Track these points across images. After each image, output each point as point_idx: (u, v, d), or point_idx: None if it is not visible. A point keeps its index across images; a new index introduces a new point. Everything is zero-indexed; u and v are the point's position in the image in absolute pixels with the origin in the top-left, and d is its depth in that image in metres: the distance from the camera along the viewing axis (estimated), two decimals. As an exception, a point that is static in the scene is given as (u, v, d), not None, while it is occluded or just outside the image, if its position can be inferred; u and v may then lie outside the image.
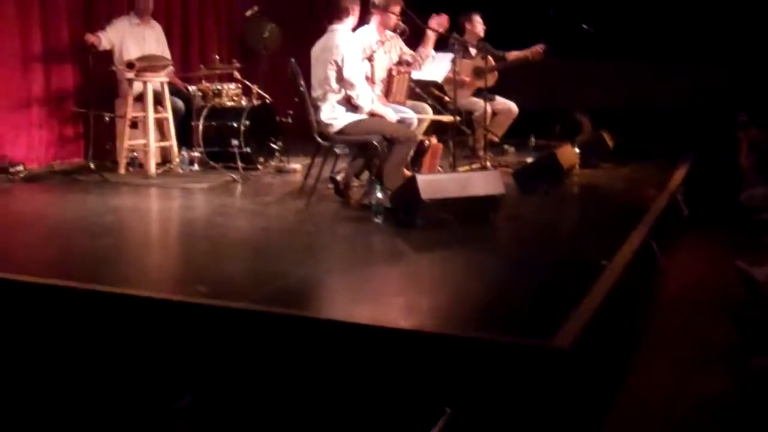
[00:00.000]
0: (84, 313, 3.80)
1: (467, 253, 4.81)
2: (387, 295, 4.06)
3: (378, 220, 5.39)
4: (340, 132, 5.93)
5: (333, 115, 5.90)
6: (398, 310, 3.78)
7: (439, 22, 6.71)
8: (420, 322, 3.57)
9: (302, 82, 5.96)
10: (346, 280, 4.32)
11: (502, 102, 8.53)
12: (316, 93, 5.96)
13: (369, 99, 5.95)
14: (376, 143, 5.83)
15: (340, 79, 5.86)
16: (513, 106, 8.54)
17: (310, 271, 4.35)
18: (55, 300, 3.88)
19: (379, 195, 5.47)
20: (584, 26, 8.55)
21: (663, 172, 7.60)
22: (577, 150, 7.55)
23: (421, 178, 5.27)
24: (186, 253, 4.94)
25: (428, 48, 6.83)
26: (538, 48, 8.19)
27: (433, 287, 4.25)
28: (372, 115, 5.98)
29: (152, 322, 3.68)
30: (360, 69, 5.99)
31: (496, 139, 8.49)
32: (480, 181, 5.50)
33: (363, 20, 6.43)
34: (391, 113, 6.08)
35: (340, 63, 5.82)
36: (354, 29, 6.19)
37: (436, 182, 5.37)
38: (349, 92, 5.88)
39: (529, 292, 4.11)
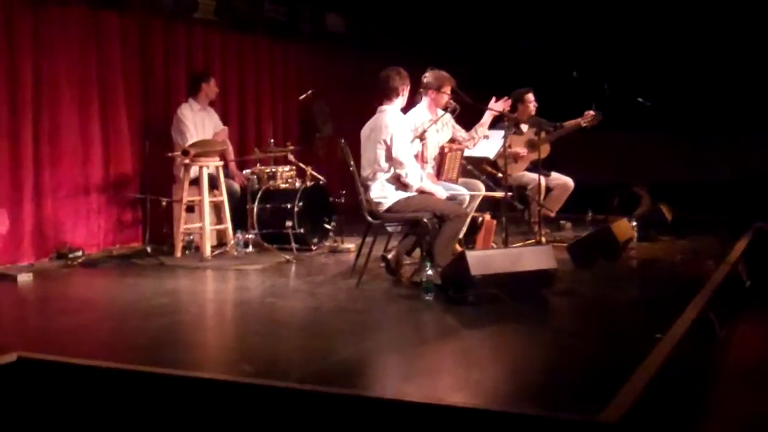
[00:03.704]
0: (133, 394, 3.81)
1: (519, 329, 4.75)
2: (436, 373, 3.99)
3: (429, 297, 5.36)
4: (390, 210, 5.96)
5: (382, 194, 5.94)
6: (448, 388, 3.72)
7: (503, 106, 6.78)
8: (469, 399, 3.49)
9: (352, 162, 6.02)
10: (395, 358, 4.26)
11: (557, 177, 8.48)
12: (366, 172, 6.01)
13: (418, 177, 5.98)
14: (426, 221, 5.83)
15: (389, 158, 5.91)
16: (569, 181, 8.47)
17: (359, 350, 4.31)
18: (106, 382, 3.91)
19: (430, 272, 5.44)
20: (640, 99, 8.50)
21: (723, 243, 7.44)
22: (634, 223, 7.45)
23: (471, 255, 5.23)
24: (236, 333, 4.95)
25: (485, 127, 6.88)
26: (590, 113, 8.09)
27: (483, 364, 4.15)
28: (421, 192, 6.00)
29: (201, 402, 3.67)
30: (409, 148, 6.04)
31: (552, 214, 8.42)
32: (532, 256, 5.44)
33: (412, 100, 6.51)
34: (440, 190, 6.09)
35: (389, 142, 5.88)
36: (404, 110, 6.26)
37: (486, 258, 5.32)
38: (398, 171, 5.93)
39: (580, 366, 4.02)
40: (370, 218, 5.97)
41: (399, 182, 5.97)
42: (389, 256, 6.08)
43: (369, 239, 6.22)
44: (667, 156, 10.99)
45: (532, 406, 3.36)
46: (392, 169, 5.94)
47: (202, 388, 3.67)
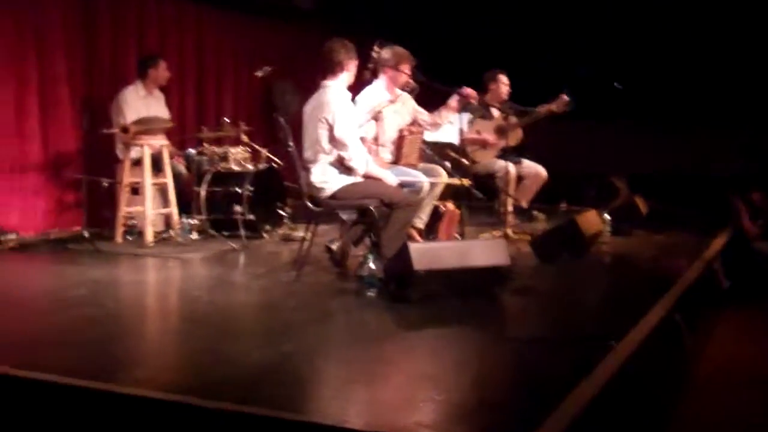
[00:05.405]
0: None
1: (458, 333, 4.26)
2: (351, 387, 3.44)
3: (371, 293, 4.88)
4: (333, 196, 5.43)
5: (324, 178, 5.41)
6: (361, 408, 3.21)
7: (470, 94, 6.40)
8: (389, 420, 3.01)
9: (291, 143, 5.49)
10: (304, 367, 3.65)
11: (529, 165, 7.96)
12: (308, 154, 5.48)
13: (363, 161, 5.44)
14: (372, 208, 5.32)
15: (332, 138, 5.38)
16: (541, 170, 7.96)
17: (266, 355, 3.74)
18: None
19: (372, 266, 4.96)
20: (616, 84, 8.01)
21: (700, 240, 6.95)
22: (607, 216, 6.97)
23: (415, 247, 4.74)
24: (137, 332, 4.39)
25: (450, 111, 6.42)
26: (563, 98, 7.55)
27: (410, 376, 3.63)
28: (368, 177, 5.48)
29: (64, 412, 3.18)
30: (353, 128, 5.49)
31: (524, 205, 7.92)
32: (482, 250, 4.94)
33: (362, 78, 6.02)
34: (389, 176, 5.57)
35: (331, 121, 5.34)
36: (351, 87, 5.74)
37: (431, 251, 4.83)
38: (341, 153, 5.38)
39: (519, 378, 3.56)
40: (310, 204, 5.45)
41: (343, 166, 5.43)
42: (334, 246, 5.59)
43: (320, 227, 5.70)
44: (649, 146, 10.48)
45: (461, 426, 2.92)
46: (335, 152, 5.40)
47: (65, 397, 3.16)
